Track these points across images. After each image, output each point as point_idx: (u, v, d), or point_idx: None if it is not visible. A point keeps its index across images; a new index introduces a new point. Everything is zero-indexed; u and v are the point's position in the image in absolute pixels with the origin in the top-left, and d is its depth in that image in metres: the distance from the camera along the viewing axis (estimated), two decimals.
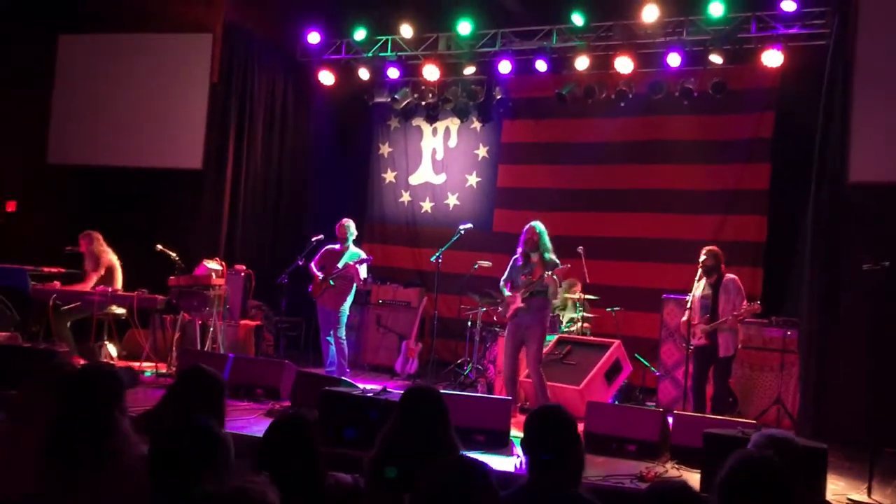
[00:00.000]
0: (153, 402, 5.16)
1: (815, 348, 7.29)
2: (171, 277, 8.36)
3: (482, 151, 11.03)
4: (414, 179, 11.45)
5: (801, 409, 7.43)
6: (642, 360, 8.64)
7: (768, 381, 7.93)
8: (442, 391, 3.70)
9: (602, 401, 7.25)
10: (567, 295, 8.89)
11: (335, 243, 8.53)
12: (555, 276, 7.23)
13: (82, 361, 6.98)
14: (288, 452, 2.80)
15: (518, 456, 5.40)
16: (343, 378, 7.32)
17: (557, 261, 7.24)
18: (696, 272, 7.21)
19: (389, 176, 11.61)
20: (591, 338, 8.53)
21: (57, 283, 8.37)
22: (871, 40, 7.34)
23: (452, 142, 11.25)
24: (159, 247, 8.45)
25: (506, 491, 2.92)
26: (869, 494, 5.28)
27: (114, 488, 2.64)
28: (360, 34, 10.43)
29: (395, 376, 9.34)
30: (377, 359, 10.11)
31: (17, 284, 8.33)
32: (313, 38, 10.64)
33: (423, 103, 10.94)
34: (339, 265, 8.30)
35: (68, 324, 8.22)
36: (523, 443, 2.93)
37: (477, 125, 11.05)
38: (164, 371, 8.05)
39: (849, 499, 5.23)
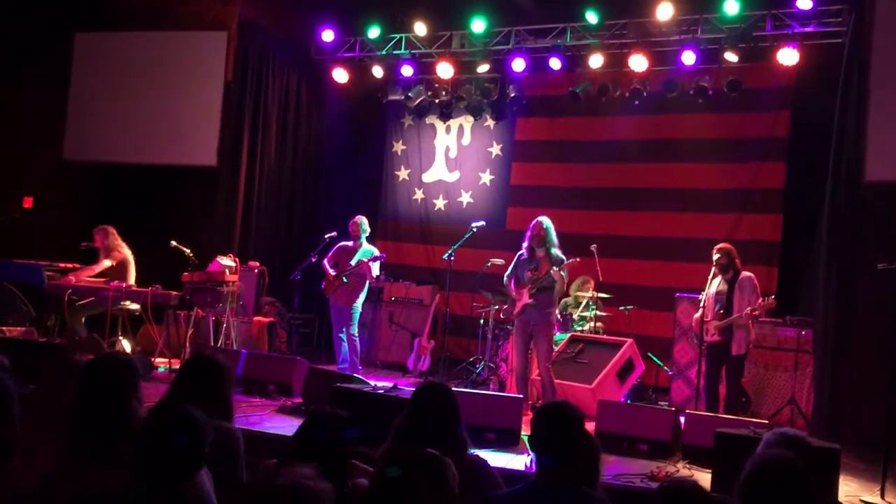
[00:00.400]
0: None
1: (829, 348, 7.25)
2: (185, 274, 8.37)
3: (496, 149, 11.03)
4: (427, 177, 11.46)
5: (815, 409, 7.38)
6: (655, 359, 8.61)
7: (782, 381, 7.88)
8: (454, 389, 3.70)
9: (614, 399, 7.23)
10: (580, 293, 8.87)
11: (348, 240, 8.55)
12: (562, 272, 7.22)
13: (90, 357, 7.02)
14: (323, 449, 2.82)
15: (529, 454, 5.39)
16: (355, 375, 7.34)
17: (563, 256, 7.23)
18: (711, 271, 7.18)
19: (403, 173, 11.62)
20: (604, 336, 8.52)
21: (73, 269, 8.42)
22: (888, 39, 7.27)
23: (466, 139, 11.26)
24: (173, 243, 8.47)
25: (513, 487, 2.93)
26: (882, 496, 5.25)
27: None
28: (374, 32, 10.44)
29: (407, 373, 9.36)
30: (389, 356, 10.14)
31: (32, 280, 8.38)
32: (327, 35, 10.66)
33: (437, 101, 10.94)
34: (352, 262, 8.31)
35: (83, 319, 8.28)
36: (530, 440, 2.93)
37: (490, 123, 11.04)
38: (177, 367, 8.08)
39: (861, 500, 5.20)
